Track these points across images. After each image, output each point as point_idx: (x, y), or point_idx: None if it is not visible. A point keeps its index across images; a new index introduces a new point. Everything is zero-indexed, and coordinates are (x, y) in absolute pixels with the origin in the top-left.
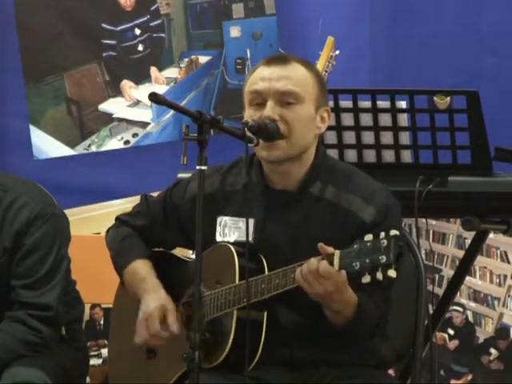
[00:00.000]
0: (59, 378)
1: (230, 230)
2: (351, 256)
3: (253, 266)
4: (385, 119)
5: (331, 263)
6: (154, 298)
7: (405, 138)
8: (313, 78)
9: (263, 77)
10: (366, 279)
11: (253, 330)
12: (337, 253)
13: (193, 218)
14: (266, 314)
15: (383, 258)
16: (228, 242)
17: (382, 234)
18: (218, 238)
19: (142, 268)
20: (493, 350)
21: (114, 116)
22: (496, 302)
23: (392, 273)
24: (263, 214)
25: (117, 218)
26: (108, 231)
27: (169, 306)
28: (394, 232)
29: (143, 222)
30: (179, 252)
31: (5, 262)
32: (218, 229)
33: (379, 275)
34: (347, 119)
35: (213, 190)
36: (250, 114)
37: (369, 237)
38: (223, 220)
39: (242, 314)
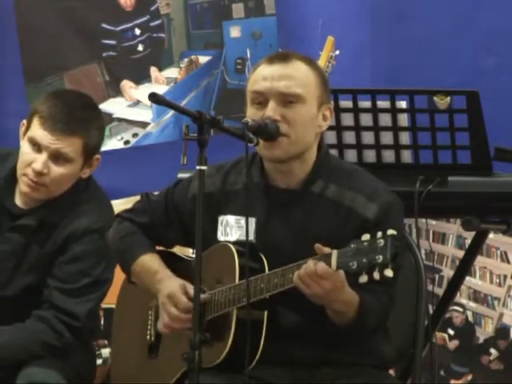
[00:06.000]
0: (73, 380)
1: (232, 228)
2: (348, 256)
3: (253, 265)
4: (385, 119)
5: (328, 263)
6: (173, 281)
7: (405, 138)
8: (315, 76)
9: (265, 76)
10: (364, 279)
11: (253, 330)
12: (334, 252)
13: (194, 217)
14: (266, 313)
15: (380, 258)
16: (229, 242)
17: (379, 234)
18: (220, 238)
19: (152, 261)
20: (493, 350)
21: (113, 116)
22: (496, 302)
23: (389, 272)
24: (265, 212)
25: (118, 215)
26: (109, 229)
27: (188, 285)
28: (391, 231)
29: (146, 219)
30: (179, 251)
31: (51, 256)
32: (220, 228)
33: (376, 275)
34: (347, 119)
35: (214, 189)
36: (251, 113)
37: (366, 236)
38: (225, 219)
39: (242, 313)
